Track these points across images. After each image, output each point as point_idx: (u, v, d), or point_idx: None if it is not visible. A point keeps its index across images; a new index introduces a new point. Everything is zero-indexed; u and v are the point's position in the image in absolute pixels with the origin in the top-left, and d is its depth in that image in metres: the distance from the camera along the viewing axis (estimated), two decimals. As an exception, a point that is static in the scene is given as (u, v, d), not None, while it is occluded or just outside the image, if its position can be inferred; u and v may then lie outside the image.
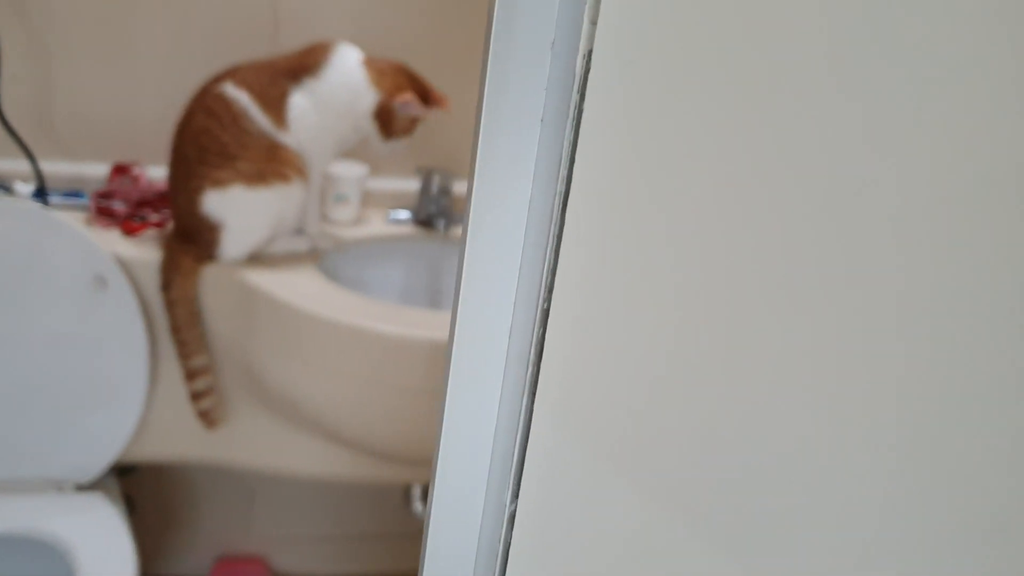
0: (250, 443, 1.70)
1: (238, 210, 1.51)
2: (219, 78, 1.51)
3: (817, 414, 0.50)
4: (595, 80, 0.39)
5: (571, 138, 0.40)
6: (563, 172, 0.41)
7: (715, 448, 0.51)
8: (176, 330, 1.55)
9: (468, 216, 0.43)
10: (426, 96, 1.56)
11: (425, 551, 0.48)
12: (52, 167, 1.67)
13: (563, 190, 0.41)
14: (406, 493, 1.86)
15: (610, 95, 0.39)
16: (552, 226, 0.42)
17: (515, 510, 0.47)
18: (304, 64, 1.52)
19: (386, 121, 1.52)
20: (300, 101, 1.51)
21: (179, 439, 1.68)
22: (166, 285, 1.54)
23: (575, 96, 0.39)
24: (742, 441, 0.50)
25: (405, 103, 1.51)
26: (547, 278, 0.42)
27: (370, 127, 1.53)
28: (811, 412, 0.50)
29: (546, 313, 0.43)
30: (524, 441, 0.45)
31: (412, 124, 1.55)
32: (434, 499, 0.47)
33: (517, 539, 0.47)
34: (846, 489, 0.52)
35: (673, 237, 0.45)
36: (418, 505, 1.86)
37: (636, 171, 0.42)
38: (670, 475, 0.51)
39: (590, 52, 0.39)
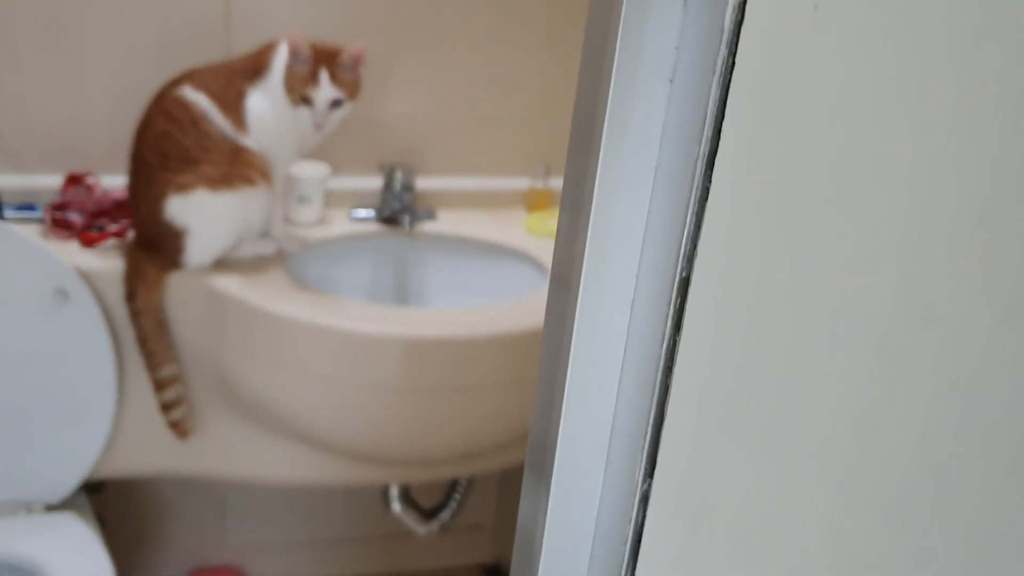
0: (223, 452, 1.67)
1: (202, 215, 1.48)
2: (176, 81, 1.48)
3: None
4: (751, 33, 0.38)
5: (718, 96, 0.39)
6: (707, 132, 0.40)
7: (905, 450, 0.50)
8: (143, 340, 1.51)
9: (593, 193, 0.41)
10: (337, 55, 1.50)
11: (544, 529, 0.46)
12: (2, 179, 1.61)
13: (707, 151, 0.40)
14: (384, 494, 1.84)
15: (771, 50, 0.38)
16: (693, 191, 0.41)
17: (649, 489, 0.45)
18: (257, 64, 1.50)
19: (287, 80, 1.48)
20: (256, 102, 1.48)
21: (150, 452, 1.64)
22: (130, 295, 1.50)
23: (723, 51, 0.38)
24: (932, 446, 0.49)
25: (293, 50, 1.46)
26: (686, 245, 0.41)
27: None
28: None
29: (685, 282, 0.42)
30: (659, 417, 0.44)
31: (310, 78, 1.47)
32: (553, 479, 0.46)
33: (652, 519, 0.47)
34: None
35: (853, 203, 0.43)
36: (396, 505, 1.84)
37: (808, 131, 0.41)
38: (850, 468, 0.50)
39: (743, 3, 0.38)
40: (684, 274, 0.41)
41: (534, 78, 1.86)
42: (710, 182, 0.39)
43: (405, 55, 1.77)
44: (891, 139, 0.42)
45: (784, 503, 0.48)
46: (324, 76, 1.47)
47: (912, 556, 0.51)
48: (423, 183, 1.83)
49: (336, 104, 1.49)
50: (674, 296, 0.41)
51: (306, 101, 1.47)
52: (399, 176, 1.75)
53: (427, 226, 1.78)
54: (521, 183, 1.92)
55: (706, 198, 0.39)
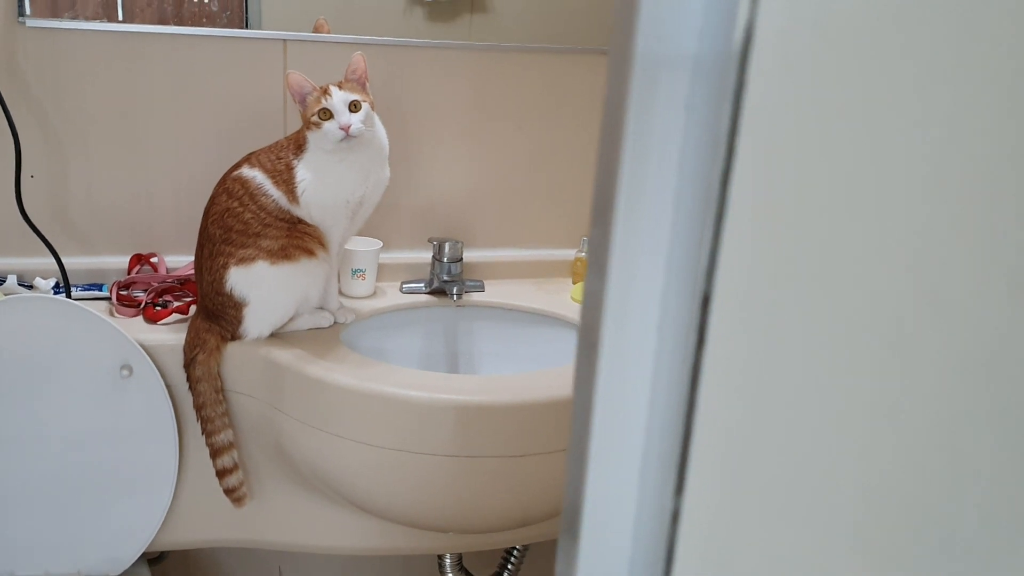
0: (280, 521, 1.70)
1: (262, 288, 1.53)
2: (237, 164, 1.56)
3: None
4: (759, 55, 0.41)
5: (730, 113, 0.43)
6: (721, 151, 0.43)
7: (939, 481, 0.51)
8: (200, 407, 1.56)
9: (612, 216, 0.44)
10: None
11: (578, 547, 0.48)
12: (69, 261, 1.69)
13: (721, 169, 0.43)
14: (439, 562, 1.86)
15: (778, 67, 0.42)
16: (710, 207, 0.44)
17: (678, 507, 0.48)
18: (298, 139, 1.56)
19: (304, 116, 1.54)
20: (302, 172, 1.54)
21: (209, 522, 1.68)
22: (189, 363, 1.55)
23: (734, 74, 0.42)
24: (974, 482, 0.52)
25: (295, 86, 1.53)
26: (705, 262, 0.44)
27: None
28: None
29: (706, 298, 0.45)
30: (686, 435, 0.47)
31: (322, 95, 1.52)
32: (585, 500, 0.48)
33: (684, 537, 0.48)
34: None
35: (861, 205, 0.45)
36: (451, 574, 1.85)
37: (818, 141, 0.44)
38: (878, 495, 0.51)
39: (750, 25, 0.41)
40: (705, 290, 0.43)
41: (575, 153, 1.92)
42: (726, 199, 0.42)
43: (452, 134, 1.84)
44: (893, 142, 0.45)
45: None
46: (333, 87, 1.52)
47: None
48: (471, 256, 1.89)
49: (355, 106, 1.52)
50: (696, 313, 0.44)
51: (325, 115, 1.52)
52: (448, 249, 1.80)
53: (475, 297, 1.83)
54: (566, 253, 1.97)
55: (723, 215, 0.42)
